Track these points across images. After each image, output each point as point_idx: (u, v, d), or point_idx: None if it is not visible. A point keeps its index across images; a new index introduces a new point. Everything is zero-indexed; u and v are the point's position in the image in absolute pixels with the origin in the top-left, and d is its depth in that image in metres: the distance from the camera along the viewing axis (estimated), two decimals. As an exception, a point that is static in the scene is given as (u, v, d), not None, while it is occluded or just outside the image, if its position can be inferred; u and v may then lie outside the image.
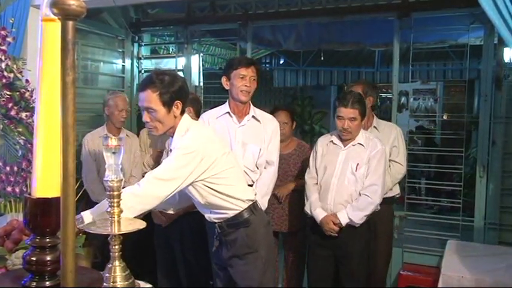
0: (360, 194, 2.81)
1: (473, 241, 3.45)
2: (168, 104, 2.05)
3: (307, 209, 2.92)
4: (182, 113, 2.14)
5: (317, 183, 2.94)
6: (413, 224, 3.78)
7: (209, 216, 2.28)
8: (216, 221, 2.26)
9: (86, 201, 3.04)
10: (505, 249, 3.16)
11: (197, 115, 3.02)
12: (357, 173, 2.80)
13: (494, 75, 3.42)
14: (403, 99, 8.99)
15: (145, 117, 2.09)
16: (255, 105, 2.84)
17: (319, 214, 2.83)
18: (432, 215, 4.04)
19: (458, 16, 3.67)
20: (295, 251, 3.42)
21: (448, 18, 3.77)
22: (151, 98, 2.05)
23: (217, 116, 2.78)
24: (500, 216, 3.41)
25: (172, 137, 2.18)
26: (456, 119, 4.51)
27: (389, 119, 3.76)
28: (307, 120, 8.62)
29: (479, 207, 3.48)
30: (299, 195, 3.15)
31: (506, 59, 3.43)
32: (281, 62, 7.46)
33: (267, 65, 7.52)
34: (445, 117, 8.02)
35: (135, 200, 1.89)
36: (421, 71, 6.62)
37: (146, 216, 1.97)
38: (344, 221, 2.76)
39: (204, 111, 3.02)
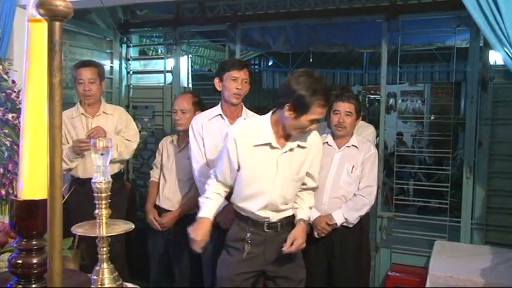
0: (354, 195, 2.86)
1: (460, 241, 3.48)
2: None
3: None
4: None
5: None
6: (401, 224, 3.80)
7: (275, 215, 2.28)
8: (278, 218, 2.29)
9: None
10: (492, 249, 3.18)
11: None
12: (352, 174, 2.87)
13: (480, 77, 3.45)
14: (391, 100, 9.05)
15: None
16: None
17: (313, 214, 2.85)
18: (420, 216, 4.05)
19: (445, 19, 3.70)
20: None
21: (435, 21, 3.80)
22: None
23: (210, 118, 2.77)
24: (487, 217, 3.44)
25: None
26: (443, 121, 4.53)
27: (377, 121, 3.79)
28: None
29: (466, 207, 3.51)
30: None
31: (492, 61, 3.46)
32: (270, 63, 7.48)
33: (256, 67, 7.53)
34: (432, 119, 8.09)
35: None
36: (408, 72, 6.69)
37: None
38: (340, 221, 2.81)
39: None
